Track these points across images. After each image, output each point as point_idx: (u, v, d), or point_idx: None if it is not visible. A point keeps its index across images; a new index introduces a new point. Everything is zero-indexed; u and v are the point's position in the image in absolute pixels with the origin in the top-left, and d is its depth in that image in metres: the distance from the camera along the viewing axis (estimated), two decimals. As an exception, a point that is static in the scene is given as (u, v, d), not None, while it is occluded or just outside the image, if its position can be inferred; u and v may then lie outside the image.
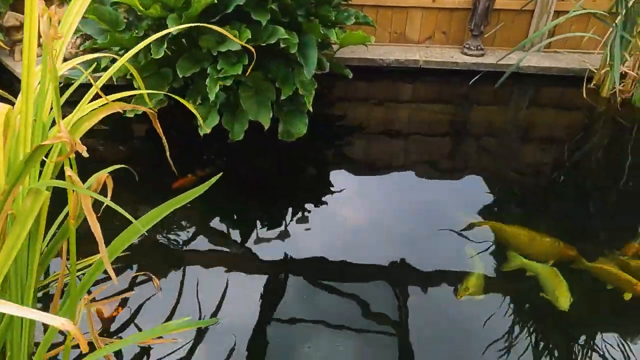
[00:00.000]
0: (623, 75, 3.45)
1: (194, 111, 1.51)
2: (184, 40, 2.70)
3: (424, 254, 2.18)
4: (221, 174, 1.56)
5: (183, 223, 2.34)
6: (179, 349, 1.70)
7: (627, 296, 1.91)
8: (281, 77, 2.75)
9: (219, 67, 2.40)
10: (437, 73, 4.00)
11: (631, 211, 2.56)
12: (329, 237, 2.31)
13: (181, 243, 2.21)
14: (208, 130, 2.56)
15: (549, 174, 2.94)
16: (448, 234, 2.30)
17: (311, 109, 2.71)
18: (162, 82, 2.76)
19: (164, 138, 1.40)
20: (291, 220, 2.41)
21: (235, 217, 2.50)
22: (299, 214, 2.45)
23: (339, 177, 2.83)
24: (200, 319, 1.81)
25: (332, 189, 2.70)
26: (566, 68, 3.88)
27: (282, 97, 2.60)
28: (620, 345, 1.78)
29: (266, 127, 2.62)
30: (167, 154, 1.46)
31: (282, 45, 2.52)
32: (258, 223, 2.39)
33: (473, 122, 3.58)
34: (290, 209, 2.50)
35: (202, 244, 2.23)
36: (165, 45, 2.50)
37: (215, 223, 2.37)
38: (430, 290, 2.00)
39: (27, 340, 1.24)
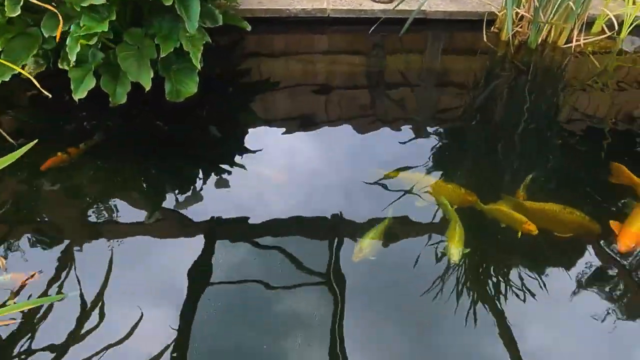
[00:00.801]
0: (521, 18, 3.51)
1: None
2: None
3: (346, 207, 2.23)
4: (36, 140, 1.47)
5: (94, 197, 2.26)
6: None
7: (519, 234, 2.05)
8: (164, 33, 2.59)
9: (81, 24, 2.21)
10: (347, 22, 3.90)
11: (527, 154, 2.68)
12: (248, 196, 2.30)
13: (99, 215, 2.16)
14: (82, 95, 2.40)
15: (454, 122, 3.01)
16: (365, 186, 2.36)
17: (199, 66, 2.58)
18: (31, 43, 2.51)
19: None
20: (206, 182, 2.39)
21: (144, 185, 2.42)
22: (215, 176, 2.42)
23: (250, 136, 2.77)
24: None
25: (242, 148, 2.64)
26: (472, 12, 3.88)
27: (162, 55, 2.45)
28: (520, 276, 1.94)
29: (147, 88, 2.48)
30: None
31: (158, -3, 2.34)
32: (172, 189, 2.34)
33: (381, 72, 3.56)
34: (204, 172, 2.46)
35: (120, 214, 2.18)
36: (22, 2, 2.26)
37: (126, 194, 2.30)
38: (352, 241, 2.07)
39: None
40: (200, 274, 1.90)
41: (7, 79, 2.43)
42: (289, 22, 3.83)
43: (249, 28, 3.20)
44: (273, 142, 2.73)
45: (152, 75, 2.48)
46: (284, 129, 2.85)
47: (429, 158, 2.59)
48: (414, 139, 2.79)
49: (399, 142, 2.77)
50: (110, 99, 2.52)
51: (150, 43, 2.56)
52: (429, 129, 2.87)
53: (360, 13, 3.80)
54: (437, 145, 2.73)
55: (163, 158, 2.54)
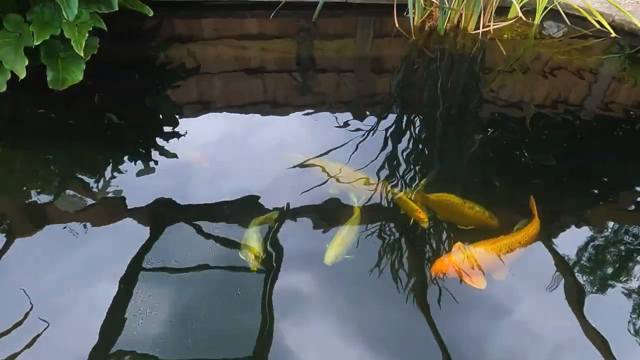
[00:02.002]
0: (431, 4, 3.52)
1: None
2: None
3: (262, 192, 2.25)
4: None
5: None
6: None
7: (410, 222, 2.10)
8: (46, 19, 2.56)
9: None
10: (266, 6, 3.87)
11: (433, 145, 2.70)
12: (164, 180, 2.32)
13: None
14: (-46, 84, 2.38)
15: (372, 109, 2.98)
16: (284, 172, 2.37)
17: (81, 53, 2.56)
18: None
19: None
20: (123, 168, 2.41)
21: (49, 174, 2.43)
22: (133, 161, 2.45)
23: (163, 121, 2.80)
24: None
25: (160, 133, 2.66)
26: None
27: (36, 42, 2.43)
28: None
29: (21, 77, 2.46)
30: None
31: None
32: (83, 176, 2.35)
33: (299, 58, 3.57)
34: (109, 158, 2.47)
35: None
36: None
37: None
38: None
39: None
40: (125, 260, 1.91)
41: None
42: (205, 7, 3.81)
43: (150, 14, 3.17)
44: (190, 126, 2.76)
45: (26, 63, 2.46)
46: (201, 113, 2.87)
47: (342, 145, 2.58)
48: (327, 123, 2.80)
49: (316, 129, 2.78)
50: (-13, 88, 2.51)
51: (29, 30, 2.53)
52: (338, 116, 2.88)
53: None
54: (347, 134, 2.72)
55: (59, 144, 2.55)
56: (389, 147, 2.61)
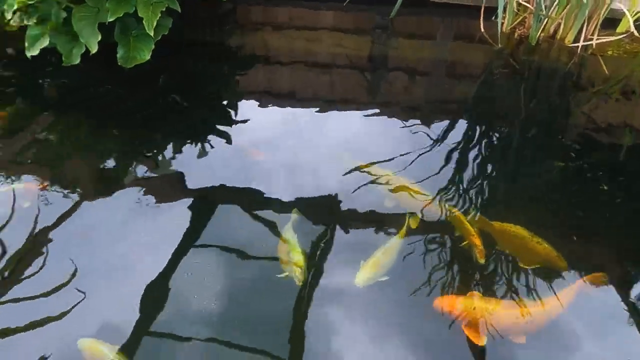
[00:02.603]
0: (524, 9, 3.15)
1: None
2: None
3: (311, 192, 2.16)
4: None
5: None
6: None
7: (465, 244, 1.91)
8: (123, -3, 2.61)
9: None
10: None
11: (507, 171, 2.41)
12: (220, 166, 2.32)
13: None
14: (35, 52, 2.50)
15: (442, 118, 2.72)
16: (336, 174, 2.25)
17: (152, 33, 2.58)
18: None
19: None
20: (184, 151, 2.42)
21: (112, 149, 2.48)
22: (193, 145, 2.46)
23: (227, 108, 2.78)
24: None
25: (221, 119, 2.66)
26: (481, -2, 3.54)
27: (110, 19, 2.48)
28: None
29: (92, 52, 2.53)
30: None
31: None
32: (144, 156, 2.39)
33: (371, 56, 3.39)
34: (170, 140, 2.49)
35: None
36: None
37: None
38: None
39: None
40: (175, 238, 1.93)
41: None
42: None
43: (225, -2, 3.15)
44: (251, 115, 2.71)
45: (99, 38, 2.52)
46: (263, 103, 2.81)
47: (403, 155, 2.37)
48: (392, 127, 2.63)
49: (379, 133, 2.61)
50: (63, 59, 2.61)
51: (107, 7, 2.59)
52: (405, 120, 2.67)
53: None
54: (411, 140, 2.51)
55: (123, 120, 2.61)
56: (454, 162, 2.37)
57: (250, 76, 3.14)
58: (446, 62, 3.34)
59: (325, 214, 2.06)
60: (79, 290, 1.73)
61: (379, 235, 1.97)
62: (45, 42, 2.52)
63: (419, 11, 3.61)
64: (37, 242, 1.90)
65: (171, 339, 1.61)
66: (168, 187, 2.19)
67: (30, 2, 2.26)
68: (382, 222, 2.01)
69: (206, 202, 2.11)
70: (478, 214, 2.04)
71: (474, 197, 2.19)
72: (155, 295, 1.72)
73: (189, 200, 2.10)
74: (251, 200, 2.12)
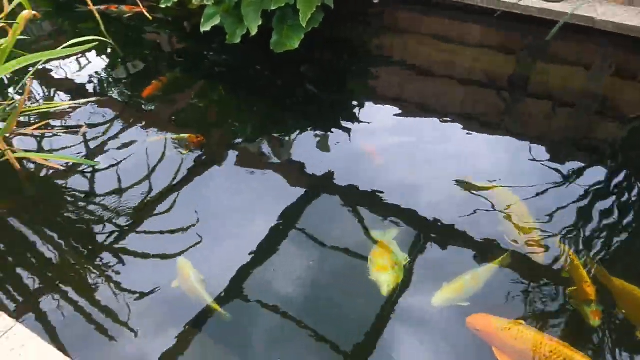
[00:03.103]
0: None
1: None
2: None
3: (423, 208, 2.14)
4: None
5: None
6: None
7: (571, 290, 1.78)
8: (287, -12, 2.88)
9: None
10: (494, 14, 3.57)
11: None
12: (338, 159, 2.43)
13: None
14: (207, 28, 2.90)
15: (579, 156, 2.50)
16: (450, 191, 2.23)
17: (304, 24, 2.81)
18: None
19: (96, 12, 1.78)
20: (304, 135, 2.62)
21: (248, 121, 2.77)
22: (315, 131, 2.64)
23: (356, 106, 2.91)
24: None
25: (348, 115, 2.79)
26: (660, 31, 3.11)
27: (272, 7, 2.75)
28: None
29: (252, 34, 2.84)
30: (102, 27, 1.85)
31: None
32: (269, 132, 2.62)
33: (524, 77, 3.22)
34: (304, 124, 2.70)
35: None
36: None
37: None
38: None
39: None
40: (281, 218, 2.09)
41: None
42: (431, 5, 3.72)
43: (375, 0, 3.27)
44: (378, 118, 2.79)
45: (260, 23, 2.82)
46: (392, 108, 2.85)
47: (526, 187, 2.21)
48: (533, 160, 2.45)
49: (516, 158, 2.46)
50: (227, 37, 2.97)
51: (272, -5, 2.89)
52: (535, 150, 2.49)
53: (510, 7, 3.43)
54: (538, 173, 2.34)
55: (263, 99, 2.88)
56: (581, 205, 2.15)
57: (384, 80, 3.21)
58: (598, 97, 3.03)
59: (425, 226, 2.04)
60: (198, 235, 2.00)
61: (473, 260, 1.89)
62: (216, 21, 2.91)
63: (578, 37, 3.32)
64: (172, 188, 2.23)
65: (250, 300, 1.75)
66: (286, 168, 2.36)
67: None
68: (487, 247, 1.93)
69: (315, 189, 2.23)
70: (596, 265, 1.84)
71: (596, 247, 1.97)
72: (249, 260, 1.89)
73: (300, 184, 2.24)
74: (358, 199, 2.18)
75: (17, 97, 2.29)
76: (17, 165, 2.04)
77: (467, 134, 2.65)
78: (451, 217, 2.07)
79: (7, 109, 2.29)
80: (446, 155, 2.46)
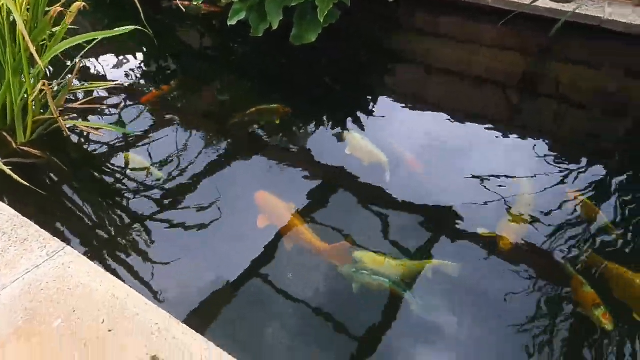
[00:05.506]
0: None
1: None
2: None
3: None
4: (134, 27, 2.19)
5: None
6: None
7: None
8: (307, -14, 3.14)
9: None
10: (508, 15, 3.71)
11: None
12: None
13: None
14: (233, 22, 3.19)
15: (590, 158, 2.52)
16: (464, 192, 2.24)
17: (321, 20, 3.06)
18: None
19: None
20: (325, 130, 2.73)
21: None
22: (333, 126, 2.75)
23: (373, 104, 3.01)
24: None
25: (365, 112, 2.88)
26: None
27: (292, 3, 3.02)
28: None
29: (273, 28, 3.11)
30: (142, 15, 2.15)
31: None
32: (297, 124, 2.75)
33: (534, 77, 3.35)
34: (323, 116, 2.83)
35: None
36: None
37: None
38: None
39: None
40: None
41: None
42: (443, 5, 3.90)
43: (391, -1, 3.48)
44: (392, 114, 2.87)
45: (281, 17, 3.09)
46: (407, 106, 2.94)
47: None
48: (525, 156, 2.51)
49: (529, 159, 2.49)
50: (252, 31, 3.26)
51: (293, -7, 3.16)
52: (545, 152, 2.53)
53: (520, 7, 3.57)
54: (547, 174, 2.37)
55: (279, 88, 3.10)
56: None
57: (400, 77, 3.38)
58: (610, 97, 3.11)
59: (433, 228, 2.07)
60: (219, 210, 2.12)
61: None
62: (242, 16, 3.21)
63: (589, 37, 3.43)
64: (200, 172, 2.39)
65: (269, 285, 1.80)
66: (302, 158, 2.44)
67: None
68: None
69: (328, 183, 2.28)
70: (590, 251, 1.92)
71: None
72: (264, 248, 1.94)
73: (314, 176, 2.32)
74: (368, 195, 2.21)
75: (68, 77, 2.62)
76: (67, 132, 2.36)
77: (480, 131, 2.70)
78: (456, 214, 2.11)
79: (58, 87, 2.62)
80: (461, 156, 2.47)
